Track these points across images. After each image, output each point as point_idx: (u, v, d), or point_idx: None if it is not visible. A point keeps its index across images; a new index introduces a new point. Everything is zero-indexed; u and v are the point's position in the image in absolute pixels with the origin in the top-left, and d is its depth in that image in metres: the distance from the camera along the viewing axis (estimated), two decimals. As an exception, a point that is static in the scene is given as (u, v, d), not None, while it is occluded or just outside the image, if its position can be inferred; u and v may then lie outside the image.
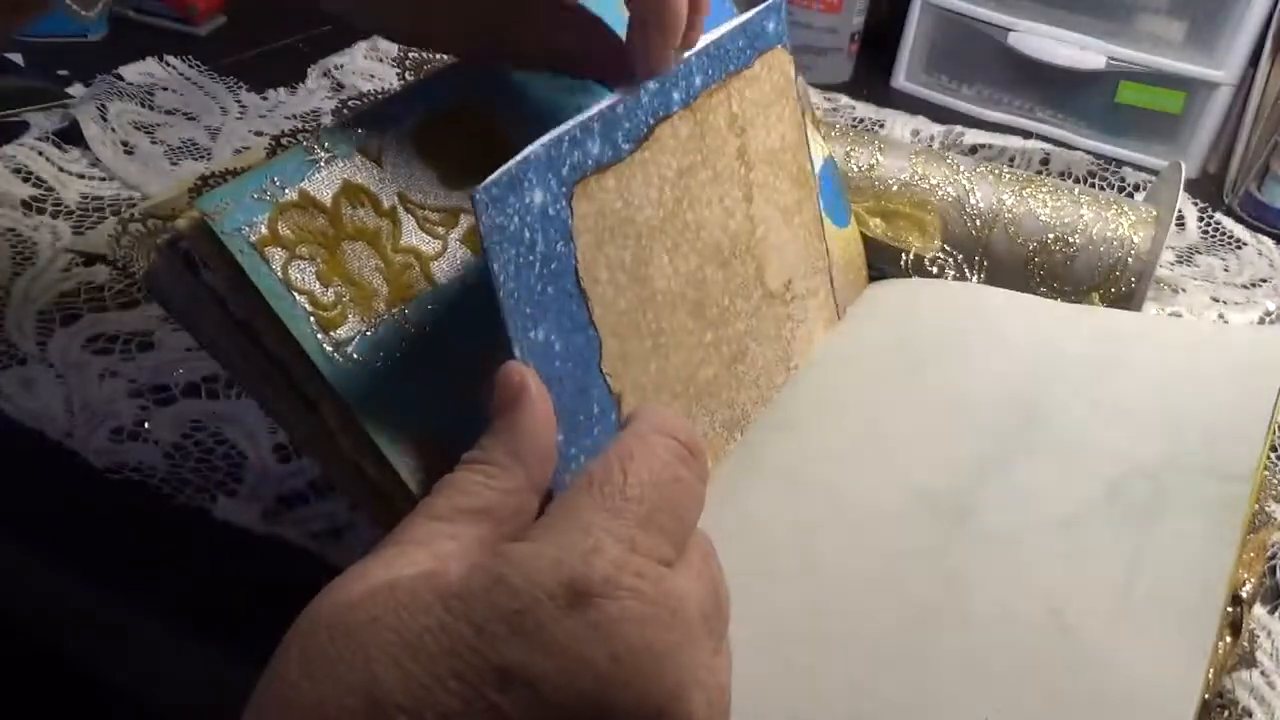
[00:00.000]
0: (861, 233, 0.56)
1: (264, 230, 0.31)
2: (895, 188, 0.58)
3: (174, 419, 0.49)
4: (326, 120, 0.75)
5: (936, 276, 0.56)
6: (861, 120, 0.85)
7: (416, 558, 0.26)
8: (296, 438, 0.36)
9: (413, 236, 0.35)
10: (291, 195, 0.32)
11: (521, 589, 0.24)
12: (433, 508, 0.28)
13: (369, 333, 0.33)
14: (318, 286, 0.32)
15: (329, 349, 0.32)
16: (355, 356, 0.32)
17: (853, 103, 0.87)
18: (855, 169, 0.59)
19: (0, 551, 0.45)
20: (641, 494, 0.26)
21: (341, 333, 0.32)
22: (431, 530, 0.27)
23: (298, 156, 0.33)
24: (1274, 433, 0.40)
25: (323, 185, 0.33)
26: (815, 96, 0.80)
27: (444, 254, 0.36)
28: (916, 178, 0.58)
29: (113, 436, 0.48)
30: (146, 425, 0.48)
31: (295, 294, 0.31)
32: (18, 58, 0.78)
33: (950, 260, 0.57)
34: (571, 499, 0.27)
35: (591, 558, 0.24)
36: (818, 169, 0.49)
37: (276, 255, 0.31)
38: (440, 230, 0.36)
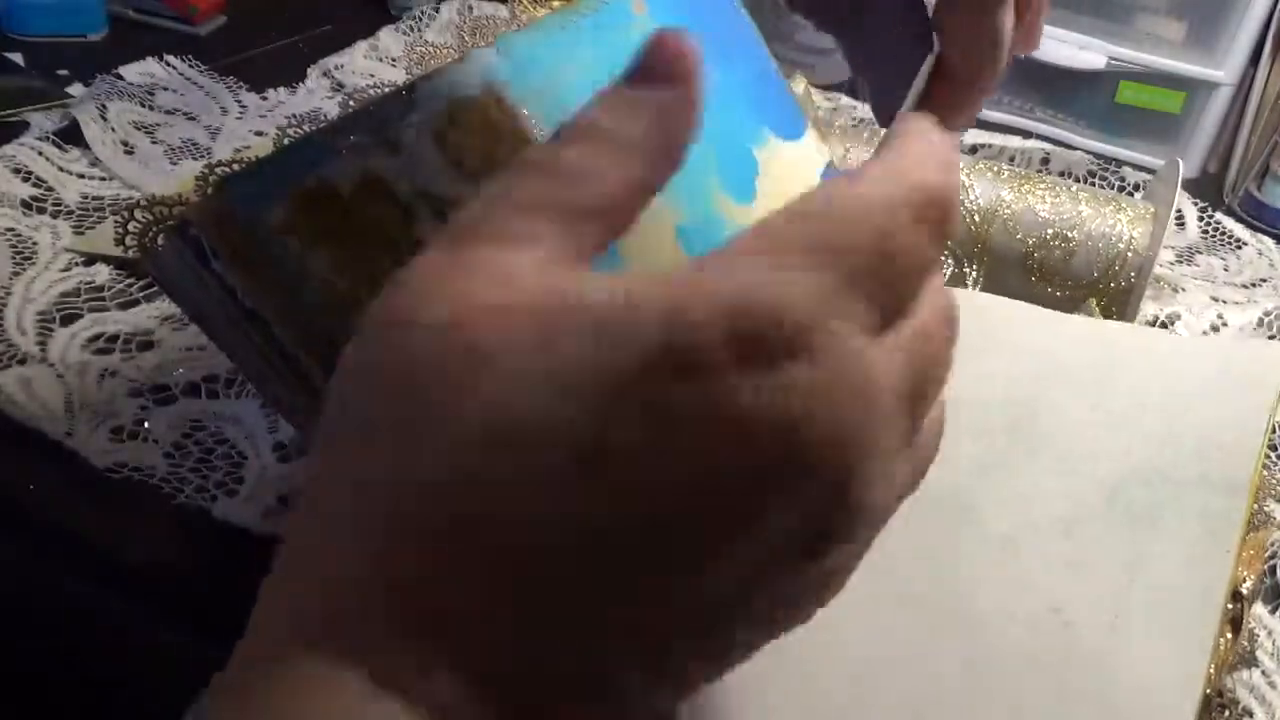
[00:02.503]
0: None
1: (283, 217, 0.30)
2: (895, 187, 0.58)
3: (174, 419, 0.49)
4: (330, 117, 0.75)
5: (936, 274, 0.56)
6: (861, 120, 0.85)
7: (500, 267, 0.21)
8: (302, 432, 0.36)
9: (429, 230, 0.34)
10: (310, 183, 0.31)
11: (700, 323, 0.20)
12: (525, 192, 0.22)
13: None
14: (334, 277, 0.31)
15: (342, 341, 0.31)
16: None
17: (853, 103, 0.87)
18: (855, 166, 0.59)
19: (0, 551, 0.45)
20: (854, 242, 0.21)
21: (356, 325, 0.31)
22: (513, 229, 0.22)
23: (316, 144, 0.32)
24: (1272, 431, 0.40)
25: (342, 174, 0.32)
26: (815, 96, 0.80)
27: None
28: (916, 176, 0.58)
29: (113, 436, 0.48)
30: (146, 425, 0.48)
31: (312, 283, 0.31)
32: (18, 58, 0.77)
33: (949, 256, 0.57)
34: (769, 226, 0.21)
35: (783, 299, 0.20)
36: (820, 173, 0.49)
37: (294, 243, 0.30)
38: None
